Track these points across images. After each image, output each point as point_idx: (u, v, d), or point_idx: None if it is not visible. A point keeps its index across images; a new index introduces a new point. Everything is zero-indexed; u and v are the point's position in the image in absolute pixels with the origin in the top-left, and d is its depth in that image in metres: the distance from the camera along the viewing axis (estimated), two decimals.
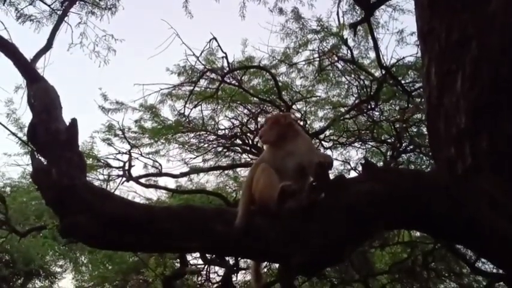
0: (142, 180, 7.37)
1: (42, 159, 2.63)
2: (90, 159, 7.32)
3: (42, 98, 2.94)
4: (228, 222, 2.27)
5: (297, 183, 2.24)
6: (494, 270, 6.31)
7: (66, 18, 5.14)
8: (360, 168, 6.12)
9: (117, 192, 7.39)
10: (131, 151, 7.20)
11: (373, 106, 7.10)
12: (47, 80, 3.15)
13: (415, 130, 7.11)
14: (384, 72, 6.27)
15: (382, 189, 2.18)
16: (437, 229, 2.21)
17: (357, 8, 5.98)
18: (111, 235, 2.29)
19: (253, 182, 2.32)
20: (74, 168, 2.47)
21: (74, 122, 2.64)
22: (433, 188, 2.11)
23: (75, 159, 2.53)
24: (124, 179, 6.96)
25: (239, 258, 6.60)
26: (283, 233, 2.18)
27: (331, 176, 2.31)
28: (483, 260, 6.08)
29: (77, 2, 5.32)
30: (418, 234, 7.39)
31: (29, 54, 4.02)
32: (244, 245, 2.26)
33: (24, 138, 6.21)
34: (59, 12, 5.19)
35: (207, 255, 6.89)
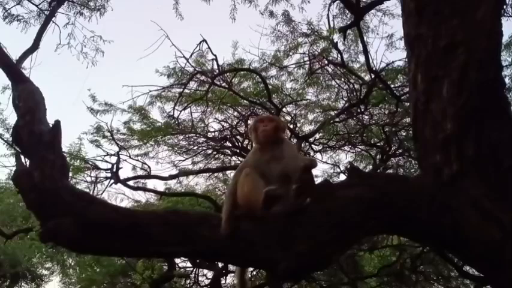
0: (131, 183, 7.29)
1: (27, 161, 2.59)
2: (78, 160, 7.24)
3: (27, 99, 2.89)
4: (213, 228, 2.25)
5: (281, 188, 2.22)
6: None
7: (54, 19, 5.10)
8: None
9: (105, 195, 7.33)
10: (120, 153, 7.12)
11: (362, 110, 7.11)
12: (33, 82, 3.11)
13: (404, 134, 7.13)
14: (373, 76, 6.28)
15: (368, 194, 2.18)
16: (423, 235, 2.22)
17: (347, 12, 5.98)
18: (94, 240, 2.26)
19: (237, 187, 2.29)
20: (57, 171, 2.43)
21: (57, 124, 2.60)
22: (419, 194, 2.12)
23: (58, 162, 2.49)
24: (112, 181, 6.89)
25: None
26: (269, 238, 2.16)
27: (318, 181, 2.31)
28: None
29: (65, 3, 5.26)
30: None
31: (15, 55, 3.97)
32: (229, 251, 2.23)
33: (10, 139, 6.12)
34: (47, 13, 5.13)
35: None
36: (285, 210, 2.19)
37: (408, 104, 6.21)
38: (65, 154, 2.72)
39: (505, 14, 5.92)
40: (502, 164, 2.04)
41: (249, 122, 7.18)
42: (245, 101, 7.30)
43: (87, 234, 2.24)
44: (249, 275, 7.12)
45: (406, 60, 2.37)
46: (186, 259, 7.10)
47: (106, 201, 2.70)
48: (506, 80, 6.68)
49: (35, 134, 2.60)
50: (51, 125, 2.67)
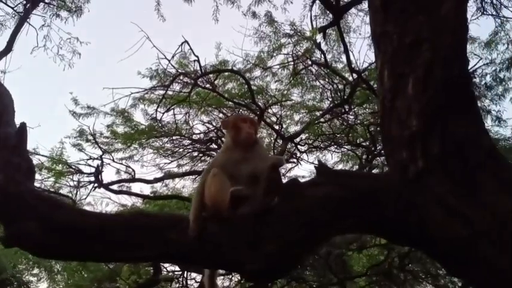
0: (115, 187, 7.26)
1: None
2: (60, 165, 7.16)
3: None
4: (182, 230, 2.21)
5: (249, 188, 2.19)
6: None
7: (29, 21, 5.03)
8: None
9: (90, 199, 7.28)
10: (103, 156, 7.07)
11: (347, 110, 7.13)
12: (2, 84, 3.07)
13: None
14: (355, 76, 6.28)
15: (336, 193, 2.15)
16: (392, 233, 2.20)
17: (329, 12, 5.98)
18: (58, 244, 2.21)
19: (205, 187, 2.26)
20: (22, 174, 2.38)
21: (22, 126, 2.56)
22: (386, 192, 2.10)
23: (24, 165, 2.45)
24: (95, 185, 6.83)
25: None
26: (236, 239, 2.13)
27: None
28: None
29: (41, 4, 5.19)
30: None
31: None
32: (196, 253, 2.20)
33: None
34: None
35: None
36: (252, 211, 2.16)
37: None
38: (45, 158, 2.67)
39: (485, 12, 5.96)
40: (468, 161, 2.02)
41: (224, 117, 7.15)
42: (230, 103, 7.28)
43: (52, 239, 2.20)
44: (238, 277, 7.09)
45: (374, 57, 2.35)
46: (171, 264, 7.03)
47: (72, 205, 2.66)
48: (487, 78, 6.73)
49: (1, 136, 2.55)
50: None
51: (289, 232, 2.12)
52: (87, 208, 6.82)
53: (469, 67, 2.29)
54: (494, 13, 6.09)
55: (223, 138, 7.84)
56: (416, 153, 2.04)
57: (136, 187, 8.03)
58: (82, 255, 2.35)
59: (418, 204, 2.00)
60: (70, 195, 6.94)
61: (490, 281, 1.98)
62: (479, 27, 6.58)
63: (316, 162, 8.02)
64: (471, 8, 5.85)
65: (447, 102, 2.07)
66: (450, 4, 2.12)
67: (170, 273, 7.83)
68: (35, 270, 11.04)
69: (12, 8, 5.12)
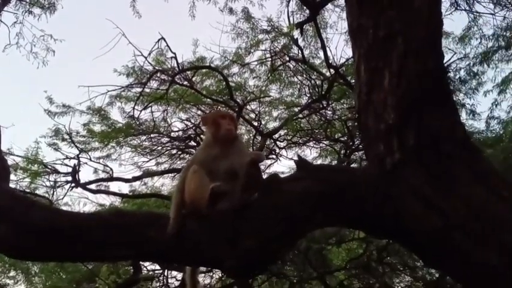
0: (93, 186, 7.15)
1: None
2: (36, 165, 7.01)
3: None
4: (161, 228, 2.19)
5: (227, 184, 2.19)
6: None
7: (1, 18, 4.90)
8: None
9: (67, 199, 7.15)
10: (80, 156, 6.95)
11: (325, 105, 7.17)
12: None
13: None
14: (333, 71, 6.33)
15: (315, 188, 2.16)
16: (370, 226, 2.22)
17: (306, 8, 6.00)
18: (34, 245, 2.17)
19: (184, 184, 2.24)
20: None
21: None
22: (364, 185, 2.12)
23: None
24: (72, 185, 6.71)
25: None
26: (215, 235, 2.13)
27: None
28: None
29: (12, 1, 5.07)
30: None
31: None
32: (177, 251, 2.18)
33: None
34: None
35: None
36: (231, 207, 2.16)
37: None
38: (20, 158, 2.60)
39: (458, 8, 6.07)
40: (443, 153, 2.06)
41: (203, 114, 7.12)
42: (208, 100, 7.24)
43: (28, 240, 2.15)
44: (220, 275, 7.08)
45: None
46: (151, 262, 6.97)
47: (48, 205, 2.60)
48: (461, 72, 6.86)
49: None
50: None
51: (268, 227, 2.13)
52: (65, 208, 6.72)
53: (444, 61, 2.32)
54: (467, 8, 6.21)
55: (202, 136, 7.81)
56: (392, 146, 2.06)
57: (114, 186, 7.92)
58: (60, 256, 2.31)
59: (394, 196, 2.03)
60: (46, 195, 6.80)
61: (465, 273, 2.01)
62: (453, 22, 6.70)
63: (295, 157, 8.05)
64: (445, 3, 5.96)
65: (422, 95, 2.09)
66: None
67: (151, 272, 7.77)
68: (12, 273, 10.80)
69: None
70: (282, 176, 2.38)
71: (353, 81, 6.64)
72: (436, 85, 2.16)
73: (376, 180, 2.08)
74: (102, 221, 2.27)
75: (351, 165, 7.36)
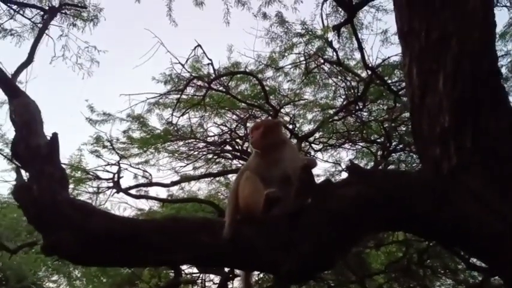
0: (133, 191, 7.30)
1: (27, 175, 2.59)
2: (79, 172, 7.24)
3: (22, 113, 2.90)
4: (214, 233, 2.24)
5: (281, 190, 2.21)
6: None
7: (47, 31, 5.11)
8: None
9: (108, 205, 7.33)
10: (120, 162, 7.12)
11: (361, 107, 7.10)
12: (28, 95, 3.11)
13: (403, 129, 7.10)
14: (369, 72, 6.27)
15: (368, 192, 2.15)
16: (425, 230, 2.20)
17: (340, 10, 5.97)
18: (94, 252, 2.25)
19: (238, 191, 2.28)
20: (56, 183, 2.42)
21: (54, 136, 2.60)
22: (419, 189, 2.10)
23: (57, 174, 2.48)
24: (114, 190, 6.89)
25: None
26: (271, 241, 2.15)
27: (319, 180, 2.29)
28: None
29: (58, 15, 5.27)
30: None
31: (11, 69, 3.99)
32: (232, 255, 2.22)
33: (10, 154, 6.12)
34: (40, 26, 5.14)
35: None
36: (285, 212, 2.18)
37: (406, 98, 6.23)
38: (65, 166, 2.72)
39: (498, 4, 5.92)
40: (501, 155, 2.02)
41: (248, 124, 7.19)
42: (243, 104, 7.30)
43: (87, 247, 2.23)
44: (256, 278, 7.12)
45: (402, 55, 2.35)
46: (190, 266, 7.07)
47: (106, 212, 2.69)
48: (503, 70, 6.67)
49: (32, 147, 2.60)
50: (49, 138, 2.67)
51: (322, 232, 2.14)
52: None
53: None
54: (508, 4, 6.05)
55: (237, 140, 7.88)
56: (449, 149, 2.04)
57: (152, 191, 8.06)
58: (120, 261, 2.39)
59: (453, 201, 2.00)
60: (90, 201, 7.00)
61: None
62: None
63: (330, 160, 8.02)
64: None
65: (478, 97, 2.07)
66: None
67: (188, 276, 7.87)
68: (55, 277, 11.15)
69: (30, 19, 5.22)
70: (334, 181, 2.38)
71: (390, 81, 6.60)
72: (491, 86, 2.13)
73: (432, 184, 2.06)
74: (159, 227, 2.33)
75: (388, 167, 7.27)
